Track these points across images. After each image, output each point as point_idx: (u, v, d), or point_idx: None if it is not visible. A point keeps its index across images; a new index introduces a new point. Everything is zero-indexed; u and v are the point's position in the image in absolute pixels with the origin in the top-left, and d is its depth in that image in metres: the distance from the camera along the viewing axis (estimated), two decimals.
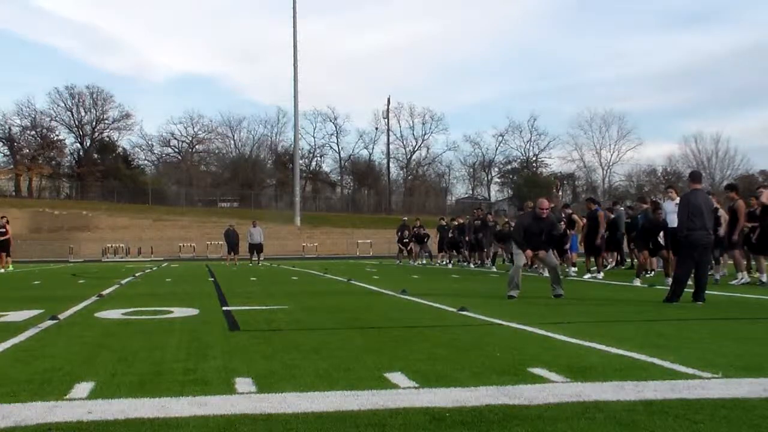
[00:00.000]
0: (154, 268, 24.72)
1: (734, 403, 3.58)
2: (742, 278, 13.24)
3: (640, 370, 4.46)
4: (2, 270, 22.30)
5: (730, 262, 14.57)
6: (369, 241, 46.23)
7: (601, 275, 15.23)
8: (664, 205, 14.91)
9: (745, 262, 13.68)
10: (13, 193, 66.01)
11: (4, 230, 22.85)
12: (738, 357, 4.92)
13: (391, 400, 3.67)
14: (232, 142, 79.04)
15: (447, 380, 4.17)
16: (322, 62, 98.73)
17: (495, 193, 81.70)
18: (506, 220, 23.26)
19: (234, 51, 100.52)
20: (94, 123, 70.78)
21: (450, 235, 24.88)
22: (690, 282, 9.37)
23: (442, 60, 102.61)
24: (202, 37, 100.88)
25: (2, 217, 23.49)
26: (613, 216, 17.37)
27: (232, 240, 29.20)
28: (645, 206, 17.11)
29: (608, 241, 16.46)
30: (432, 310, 8.62)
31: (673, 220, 13.89)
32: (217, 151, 78.90)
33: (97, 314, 8.26)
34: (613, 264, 19.49)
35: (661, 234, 13.75)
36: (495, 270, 19.63)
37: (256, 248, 29.13)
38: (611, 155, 75.36)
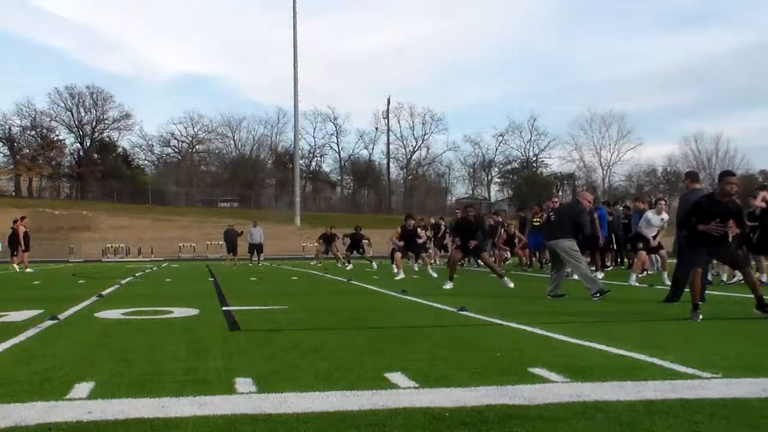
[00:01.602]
0: (154, 268, 24.72)
1: (734, 403, 3.58)
2: (737, 278, 13.24)
3: (640, 370, 4.46)
4: (20, 269, 22.59)
5: None
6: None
7: (601, 275, 15.23)
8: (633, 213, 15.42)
9: None
10: (13, 193, 66.01)
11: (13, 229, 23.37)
12: (738, 357, 4.92)
13: (391, 400, 3.67)
14: (232, 142, 79.16)
15: (447, 380, 4.16)
16: (322, 62, 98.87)
17: (495, 193, 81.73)
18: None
19: (234, 51, 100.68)
20: (94, 123, 70.82)
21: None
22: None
23: (442, 60, 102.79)
24: (202, 37, 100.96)
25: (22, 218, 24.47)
26: (611, 216, 17.46)
27: (231, 240, 29.20)
28: (642, 206, 17.27)
29: (606, 240, 16.53)
30: (432, 310, 8.62)
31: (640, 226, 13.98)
32: (217, 151, 78.96)
33: (97, 314, 8.25)
34: (612, 264, 19.53)
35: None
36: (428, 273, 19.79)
37: (256, 248, 29.13)
38: (611, 155, 75.52)
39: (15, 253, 23.39)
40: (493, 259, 23.64)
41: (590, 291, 9.86)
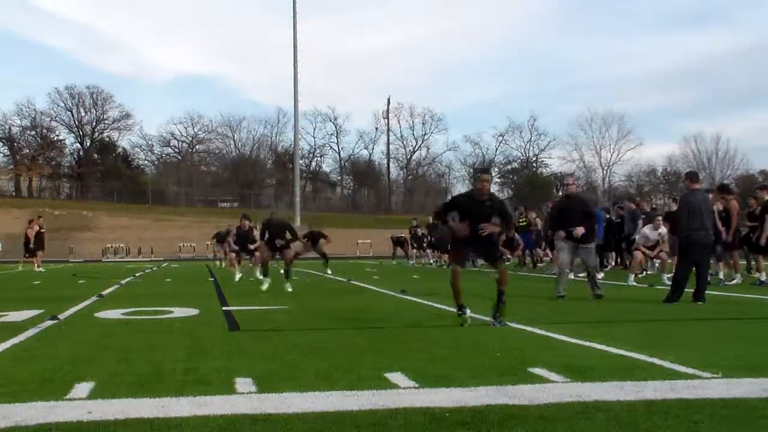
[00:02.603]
0: (154, 268, 24.72)
1: (734, 403, 3.58)
2: (735, 279, 13.26)
3: (640, 370, 4.46)
4: (40, 269, 22.74)
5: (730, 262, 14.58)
6: (369, 241, 46.15)
7: (601, 275, 15.22)
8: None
9: (744, 263, 13.70)
10: (13, 193, 65.98)
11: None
12: (738, 357, 4.92)
13: (391, 400, 3.67)
14: (232, 142, 79.03)
15: (447, 380, 4.17)
16: (322, 62, 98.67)
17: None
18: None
19: (234, 51, 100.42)
20: (94, 123, 70.73)
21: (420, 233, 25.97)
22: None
23: (442, 60, 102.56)
24: (202, 37, 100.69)
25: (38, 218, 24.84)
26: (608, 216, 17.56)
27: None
28: (633, 207, 17.53)
29: (606, 241, 16.57)
30: (432, 310, 8.62)
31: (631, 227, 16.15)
32: (217, 151, 78.91)
33: (97, 314, 8.26)
34: (612, 264, 19.57)
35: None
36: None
37: None
38: (611, 155, 75.36)
39: (27, 254, 23.71)
40: None
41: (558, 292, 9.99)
